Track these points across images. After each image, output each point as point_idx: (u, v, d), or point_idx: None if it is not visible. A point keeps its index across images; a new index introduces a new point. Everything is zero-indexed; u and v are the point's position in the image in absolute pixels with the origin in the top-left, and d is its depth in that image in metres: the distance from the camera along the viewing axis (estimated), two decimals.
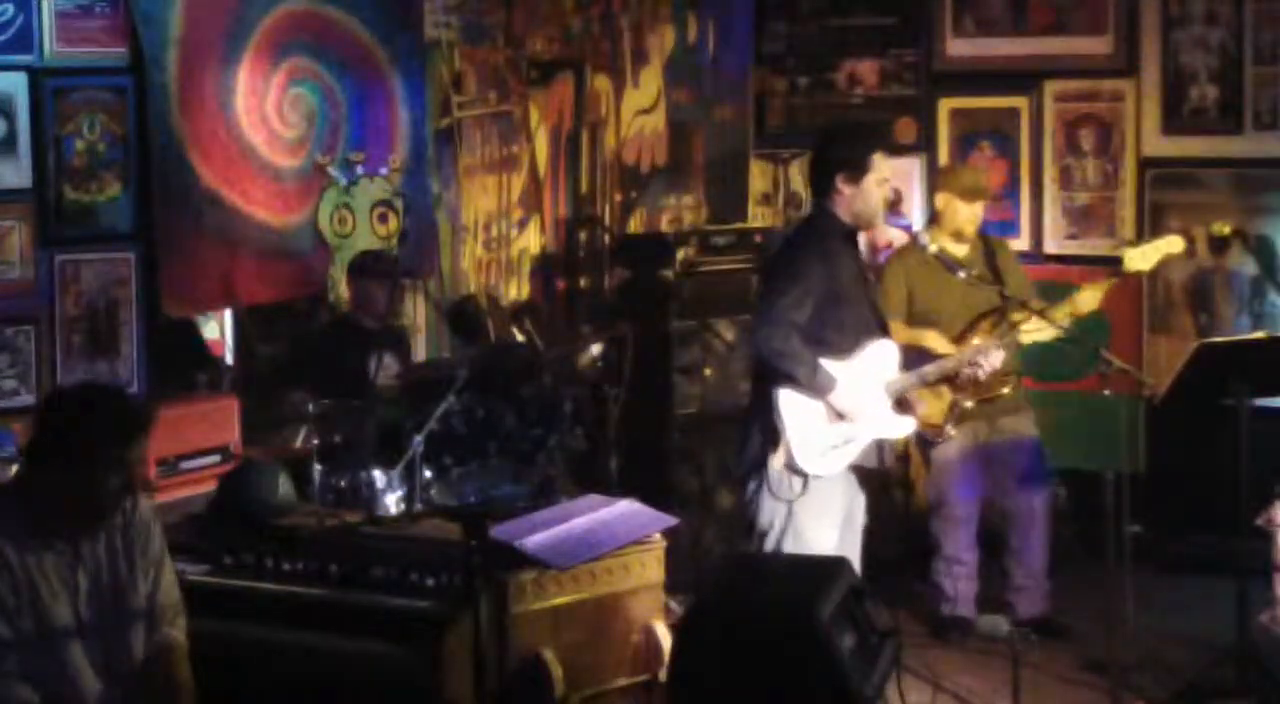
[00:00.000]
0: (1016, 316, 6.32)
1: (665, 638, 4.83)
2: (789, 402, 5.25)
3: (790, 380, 5.22)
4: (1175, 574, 6.75)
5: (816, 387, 5.23)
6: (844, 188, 5.38)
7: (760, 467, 5.29)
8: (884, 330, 5.51)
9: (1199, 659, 5.81)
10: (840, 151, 5.45)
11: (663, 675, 4.68)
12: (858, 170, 5.37)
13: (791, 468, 5.25)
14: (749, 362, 5.56)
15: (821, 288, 5.28)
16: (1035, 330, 6.27)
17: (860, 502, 5.52)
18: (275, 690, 4.50)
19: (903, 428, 5.50)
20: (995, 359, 5.96)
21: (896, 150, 8.17)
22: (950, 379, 6.03)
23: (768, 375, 5.28)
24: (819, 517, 5.29)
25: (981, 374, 6.00)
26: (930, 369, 5.68)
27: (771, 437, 5.27)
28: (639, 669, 4.84)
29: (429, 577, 4.51)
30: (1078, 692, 5.88)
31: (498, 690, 4.28)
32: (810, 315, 5.25)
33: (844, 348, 5.33)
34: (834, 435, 5.30)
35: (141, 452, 3.93)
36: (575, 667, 4.60)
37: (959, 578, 6.50)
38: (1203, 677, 5.67)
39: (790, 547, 5.26)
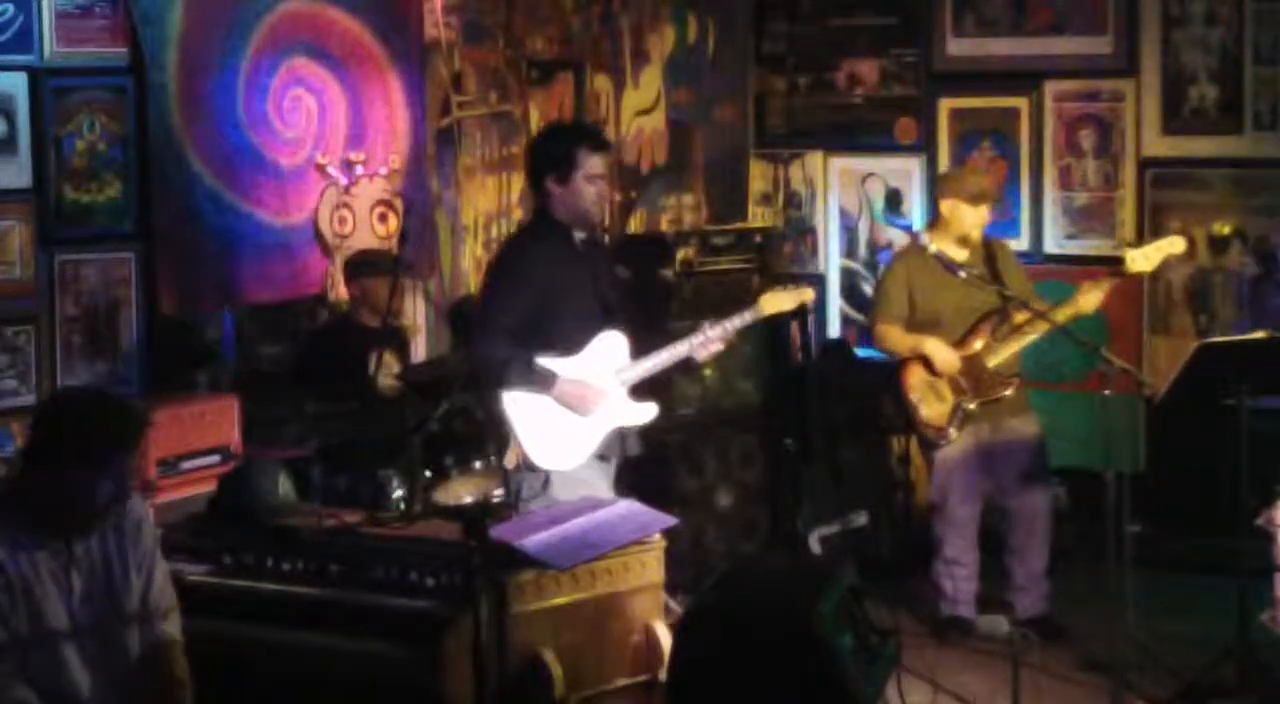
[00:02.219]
0: (1019, 317, 6.32)
1: (665, 638, 4.83)
2: (514, 402, 5.27)
3: (506, 384, 5.24)
4: (1175, 574, 6.75)
5: (534, 385, 5.26)
6: (554, 189, 5.35)
7: (504, 472, 5.33)
8: (611, 323, 5.46)
9: (1199, 659, 5.80)
10: (545, 152, 5.42)
11: (663, 675, 4.67)
12: (565, 169, 5.33)
13: (529, 467, 5.28)
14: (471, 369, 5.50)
15: (536, 288, 5.28)
16: (1039, 329, 6.27)
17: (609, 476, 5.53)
18: (275, 690, 4.50)
19: (642, 415, 5.49)
20: (714, 344, 5.52)
21: (891, 150, 8.27)
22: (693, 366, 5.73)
23: (492, 381, 5.30)
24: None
25: (702, 356, 5.55)
26: (665, 355, 5.51)
27: (503, 440, 5.30)
28: (639, 669, 4.84)
29: (429, 577, 4.51)
30: (1078, 692, 5.88)
31: (498, 690, 4.28)
32: (526, 317, 5.26)
33: (568, 344, 5.34)
34: (566, 429, 5.32)
35: (134, 459, 3.92)
36: (575, 667, 4.60)
37: (959, 579, 6.49)
38: (1203, 677, 5.67)
39: None
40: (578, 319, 5.38)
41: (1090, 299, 6.21)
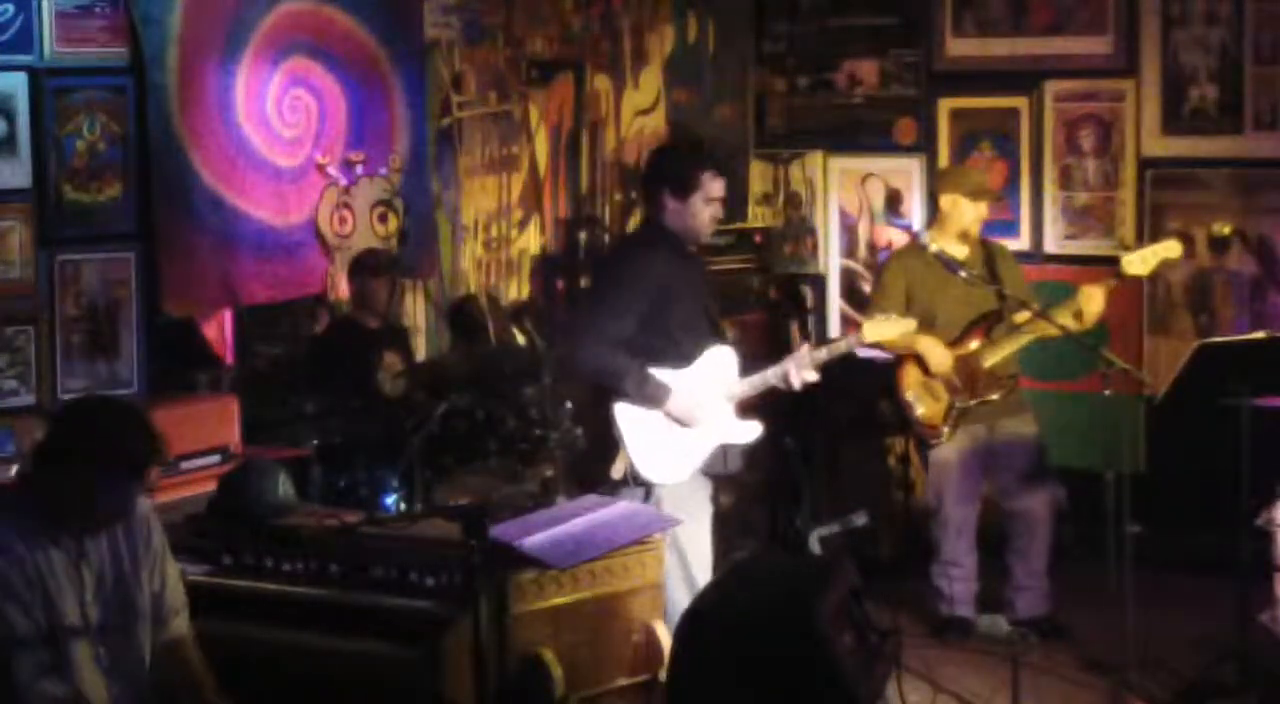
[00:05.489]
0: (1018, 317, 6.33)
1: (665, 638, 4.83)
2: (625, 413, 5.26)
3: (620, 394, 5.22)
4: (1175, 574, 6.75)
5: (647, 397, 5.24)
6: (670, 203, 5.40)
7: (607, 481, 5.30)
8: (721, 337, 5.48)
9: (1199, 659, 5.81)
10: (669, 168, 5.46)
11: (663, 675, 4.67)
12: (685, 187, 5.38)
13: (635, 478, 5.27)
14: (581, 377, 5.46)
15: (647, 297, 5.27)
16: (1037, 330, 6.27)
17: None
18: (275, 690, 4.50)
19: (747, 433, 5.48)
20: (808, 374, 5.51)
21: (891, 150, 8.27)
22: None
23: (601, 389, 5.27)
24: (692, 519, 5.32)
25: (794, 384, 5.49)
26: (771, 372, 5.51)
27: (610, 449, 5.29)
28: (639, 669, 4.84)
29: (429, 577, 4.51)
30: (1078, 692, 5.88)
31: (498, 690, 4.27)
32: (636, 326, 5.24)
33: (678, 356, 5.33)
34: (673, 443, 5.31)
35: (147, 484, 3.93)
36: (575, 667, 4.59)
37: (957, 580, 6.49)
38: (1203, 677, 5.67)
39: (670, 552, 5.22)
40: (687, 330, 5.38)
41: (1093, 307, 6.19)
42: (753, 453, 7.25)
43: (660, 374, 5.27)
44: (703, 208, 5.42)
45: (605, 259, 5.71)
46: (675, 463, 5.34)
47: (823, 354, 5.61)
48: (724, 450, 5.47)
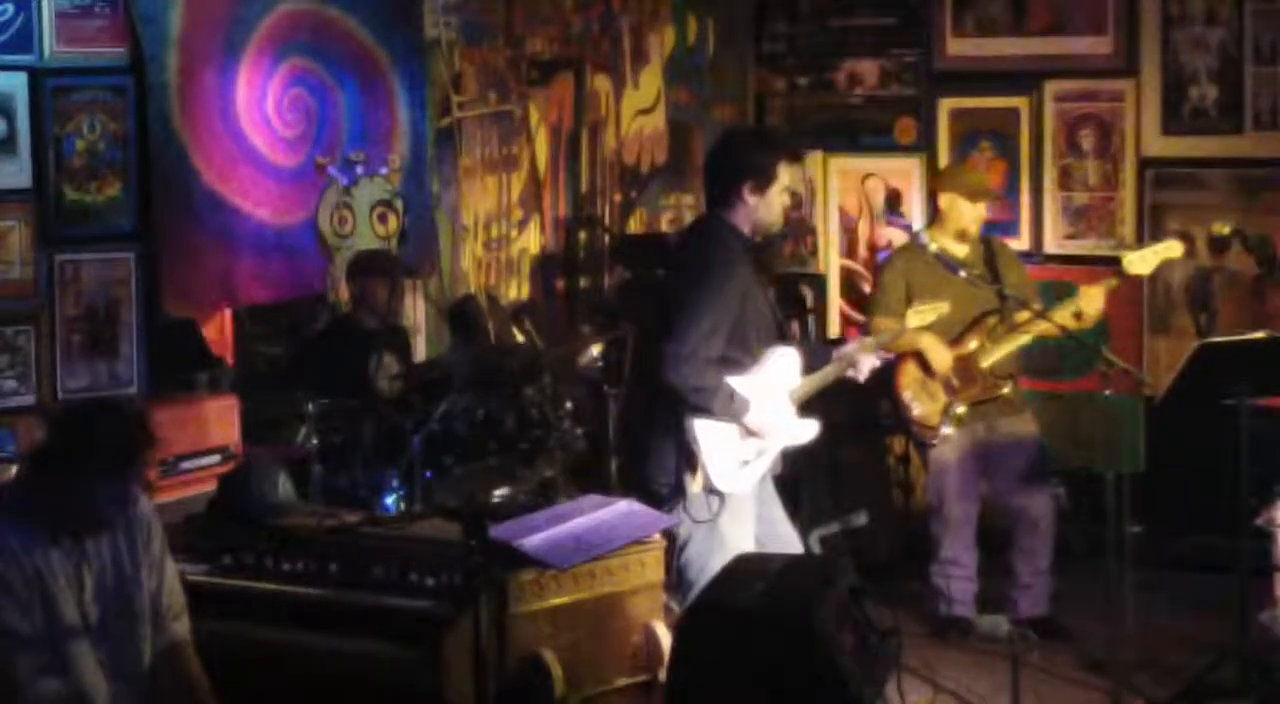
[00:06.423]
0: (1019, 317, 6.32)
1: (665, 638, 4.83)
2: (704, 427, 5.19)
3: (705, 411, 5.15)
4: (1175, 574, 6.75)
5: (732, 414, 5.16)
6: (749, 198, 5.26)
7: (679, 491, 5.23)
8: (783, 335, 5.44)
9: (1199, 659, 5.81)
10: (748, 160, 5.28)
11: (663, 675, 4.67)
12: (765, 180, 5.24)
13: (710, 490, 5.22)
14: (653, 384, 5.28)
15: (735, 310, 5.19)
16: (1036, 329, 6.27)
17: (769, 489, 5.49)
18: (275, 690, 4.50)
19: (808, 433, 5.41)
20: (865, 364, 5.51)
21: (891, 150, 8.28)
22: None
23: (681, 403, 5.17)
24: (741, 524, 5.29)
25: (859, 376, 5.54)
26: (830, 369, 5.46)
27: (689, 462, 5.21)
28: (639, 669, 4.84)
29: (429, 577, 4.51)
30: (1078, 692, 5.88)
31: (498, 690, 4.28)
32: (725, 340, 5.16)
33: (749, 362, 5.26)
34: (746, 451, 5.26)
35: (138, 474, 3.93)
36: (575, 667, 4.59)
37: (956, 579, 6.49)
38: (1203, 677, 5.67)
39: (718, 556, 5.19)
40: (759, 334, 5.30)
41: (1093, 307, 6.19)
42: None
43: (736, 383, 5.19)
44: (777, 199, 5.29)
45: (689, 268, 5.30)
46: (747, 471, 5.28)
47: (885, 337, 5.66)
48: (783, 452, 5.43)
